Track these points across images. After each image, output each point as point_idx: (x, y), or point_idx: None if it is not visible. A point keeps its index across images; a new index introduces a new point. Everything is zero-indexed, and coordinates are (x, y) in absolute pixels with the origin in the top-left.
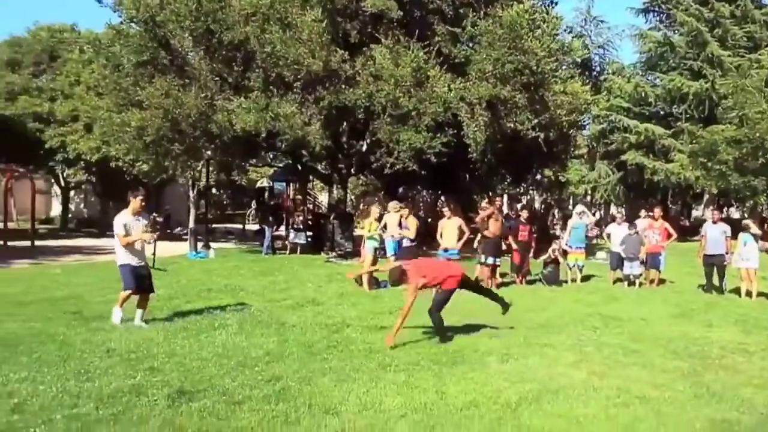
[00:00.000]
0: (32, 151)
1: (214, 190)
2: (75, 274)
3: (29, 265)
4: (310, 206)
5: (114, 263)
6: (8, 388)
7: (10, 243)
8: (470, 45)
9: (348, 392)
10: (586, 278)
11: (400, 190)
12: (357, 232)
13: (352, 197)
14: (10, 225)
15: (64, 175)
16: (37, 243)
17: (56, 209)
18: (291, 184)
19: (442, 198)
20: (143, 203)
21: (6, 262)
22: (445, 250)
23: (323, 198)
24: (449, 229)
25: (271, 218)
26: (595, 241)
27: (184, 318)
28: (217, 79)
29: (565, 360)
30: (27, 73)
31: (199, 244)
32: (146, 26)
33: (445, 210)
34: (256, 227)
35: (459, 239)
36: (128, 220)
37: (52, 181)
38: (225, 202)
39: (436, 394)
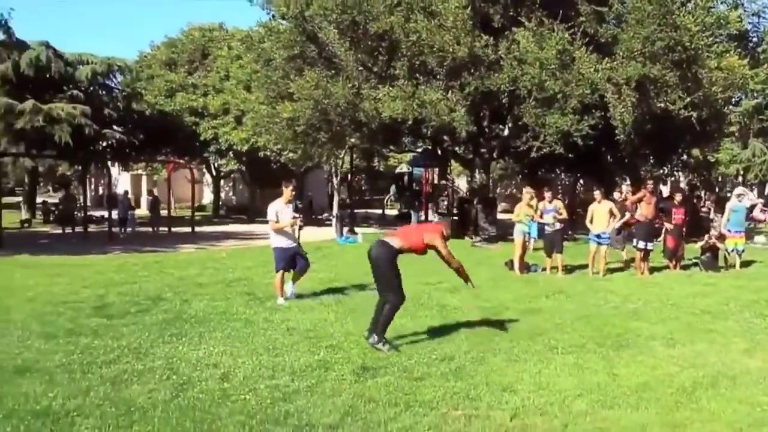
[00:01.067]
0: (189, 143)
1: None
2: (239, 258)
3: (194, 249)
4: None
5: (269, 247)
6: (213, 360)
7: (173, 229)
8: (617, 23)
9: (521, 372)
10: (745, 263)
11: (539, 173)
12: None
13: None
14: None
15: (216, 164)
16: (196, 229)
17: (207, 197)
18: (428, 169)
19: (581, 181)
20: (293, 192)
21: (173, 247)
22: (597, 236)
23: (460, 182)
24: (600, 213)
25: (417, 203)
26: (752, 225)
27: (349, 299)
28: (362, 69)
29: (736, 347)
30: (183, 71)
31: (344, 229)
32: (296, 22)
33: (596, 194)
34: (394, 212)
35: (609, 223)
36: (279, 208)
37: (204, 170)
38: (363, 188)
39: (608, 376)
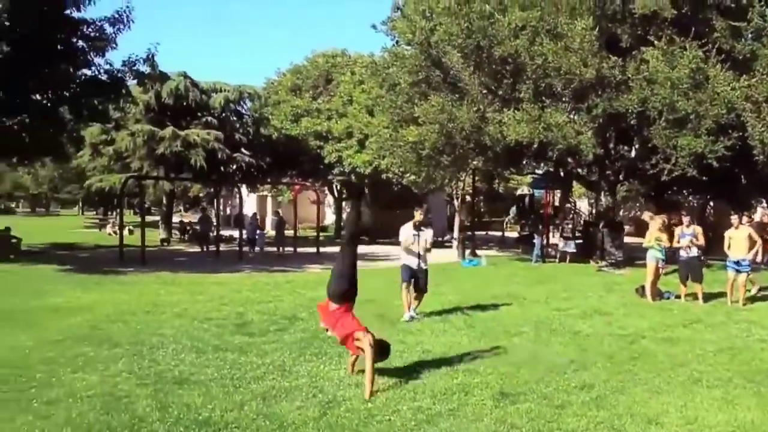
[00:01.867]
0: (313, 166)
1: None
2: (365, 279)
3: (320, 270)
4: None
5: (395, 269)
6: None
7: (298, 249)
8: (755, 38)
9: (665, 404)
10: None
11: (666, 195)
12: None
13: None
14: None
15: (339, 187)
16: (320, 249)
17: (329, 218)
18: (549, 191)
19: (711, 203)
20: (423, 216)
21: (300, 267)
22: (736, 263)
23: (581, 204)
24: (738, 239)
25: (540, 226)
26: None
27: (479, 323)
28: (486, 92)
29: None
30: (308, 97)
31: (466, 252)
32: (420, 48)
33: (733, 219)
34: (514, 234)
35: (750, 249)
36: (408, 230)
37: (326, 192)
38: (482, 210)
39: (763, 413)
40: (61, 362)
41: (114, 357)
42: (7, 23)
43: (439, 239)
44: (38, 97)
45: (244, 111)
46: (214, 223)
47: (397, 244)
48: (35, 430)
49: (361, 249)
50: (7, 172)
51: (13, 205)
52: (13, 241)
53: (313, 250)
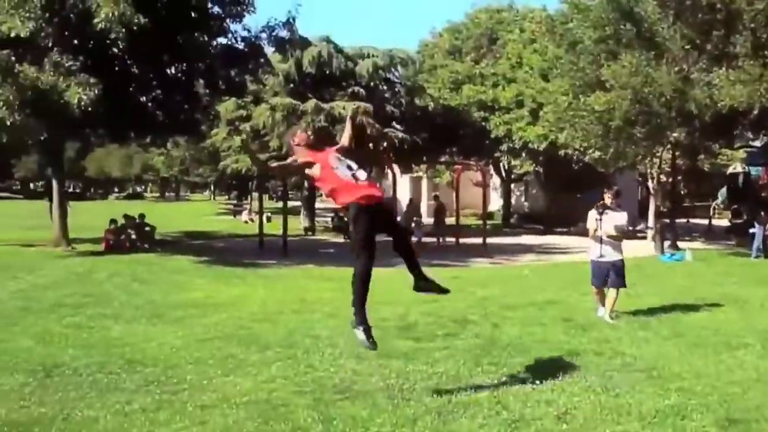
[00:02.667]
0: (477, 142)
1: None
2: (544, 276)
3: (489, 264)
4: None
5: (578, 264)
6: (544, 396)
7: (460, 240)
8: None
9: None
10: None
11: None
12: None
13: None
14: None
15: (507, 166)
16: (487, 240)
17: (495, 203)
18: None
19: None
20: (614, 200)
21: (464, 261)
22: None
23: None
24: None
25: (763, 213)
26: None
27: (689, 330)
28: (690, 48)
29: None
30: (469, 60)
31: (666, 244)
32: None
33: None
34: (724, 222)
35: None
36: (592, 214)
37: (492, 172)
38: (683, 192)
39: None
40: (210, 363)
41: (266, 360)
42: None
43: (630, 228)
44: (172, 70)
45: (395, 79)
46: None
47: (576, 234)
48: None
49: (535, 240)
50: (137, 154)
51: (141, 190)
52: (147, 229)
53: (478, 240)
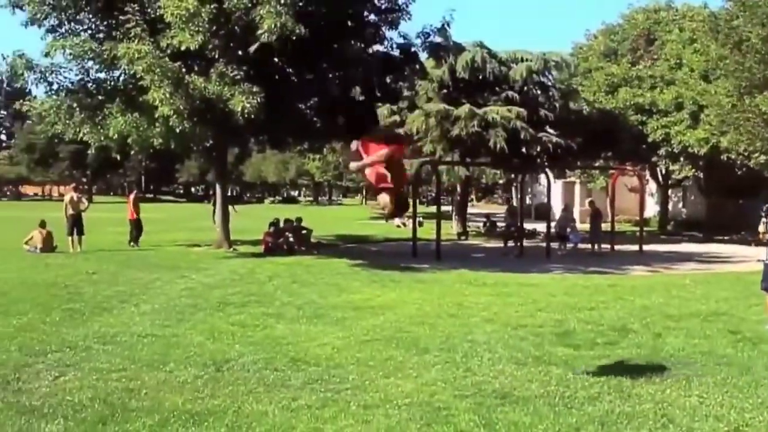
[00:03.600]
0: (633, 146)
1: None
2: (707, 286)
3: (647, 272)
4: None
5: (745, 273)
6: (712, 410)
7: (615, 246)
8: None
9: None
10: None
11: None
12: None
13: None
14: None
15: (665, 171)
16: (643, 247)
17: (651, 209)
18: None
19: None
20: None
21: (621, 268)
22: None
23: None
24: None
25: None
26: None
27: None
28: None
29: None
30: (625, 62)
31: None
32: None
33: None
34: None
35: None
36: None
37: (648, 178)
38: None
39: None
40: (371, 365)
41: (425, 363)
42: (300, 3)
43: None
44: (330, 78)
45: (549, 82)
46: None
47: (740, 242)
48: None
49: (694, 248)
50: (292, 159)
51: (295, 194)
52: (304, 232)
53: (634, 247)
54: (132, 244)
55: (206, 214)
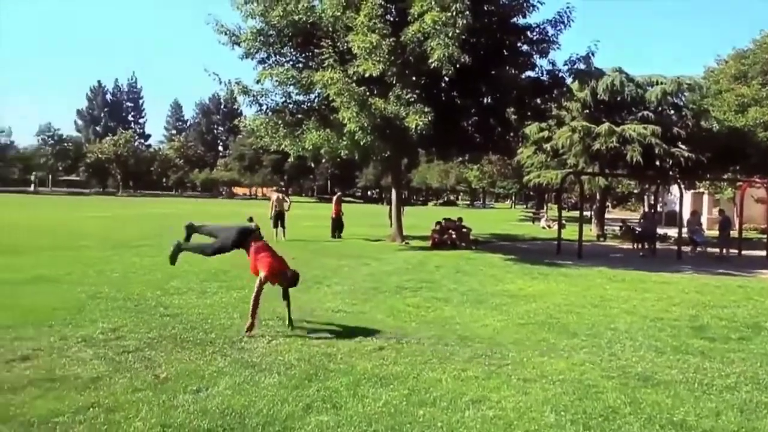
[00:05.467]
0: (762, 160)
1: None
2: None
3: None
4: None
5: None
6: None
7: (743, 252)
8: None
9: None
10: None
11: None
12: None
13: None
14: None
15: None
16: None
17: None
18: None
19: None
20: None
21: (748, 271)
22: None
23: None
24: None
25: None
26: None
27: None
28: None
29: None
30: (755, 84)
31: None
32: None
33: None
34: None
35: None
36: None
37: None
38: None
39: None
40: (527, 345)
41: (574, 346)
42: (463, 36)
43: None
44: (488, 99)
45: (681, 103)
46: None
47: None
48: (519, 404)
49: None
50: (452, 168)
51: (454, 198)
52: (464, 230)
53: (760, 253)
54: (337, 234)
55: (381, 213)
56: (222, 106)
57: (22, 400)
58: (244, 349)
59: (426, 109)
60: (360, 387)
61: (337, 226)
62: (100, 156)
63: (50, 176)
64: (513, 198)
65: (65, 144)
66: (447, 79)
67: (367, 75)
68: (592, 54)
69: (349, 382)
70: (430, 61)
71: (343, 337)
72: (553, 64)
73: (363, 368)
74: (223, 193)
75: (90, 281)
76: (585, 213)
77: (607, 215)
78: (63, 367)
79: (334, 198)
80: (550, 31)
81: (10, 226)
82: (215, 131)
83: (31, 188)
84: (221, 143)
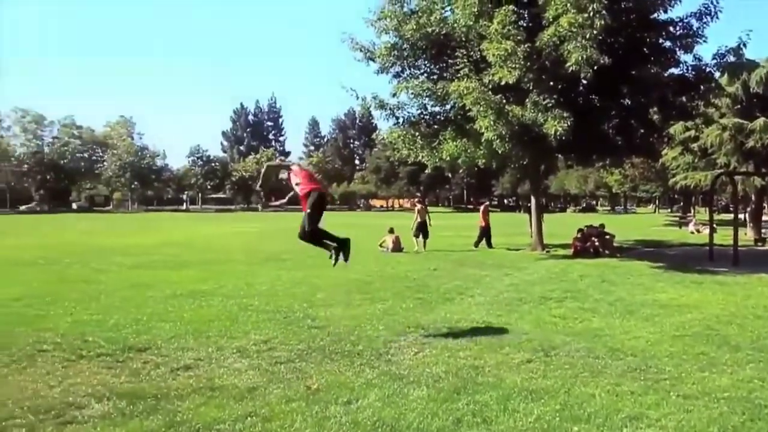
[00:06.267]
0: None
1: None
2: None
3: None
4: None
5: None
6: None
7: None
8: None
9: None
10: None
11: None
12: None
13: None
14: None
15: None
16: None
17: None
18: None
19: None
20: None
21: None
22: None
23: None
24: None
25: None
26: None
27: None
28: None
29: None
30: None
31: None
32: None
33: None
34: None
35: None
36: None
37: None
38: None
39: None
40: (684, 359)
41: (738, 361)
42: (600, 37)
43: None
44: (629, 101)
45: None
46: None
47: None
48: (681, 423)
49: None
50: (591, 174)
51: (593, 204)
52: (607, 237)
53: None
54: (487, 244)
55: (518, 221)
56: (357, 121)
57: (187, 407)
58: (391, 361)
59: (565, 114)
60: (510, 401)
61: (488, 235)
62: (244, 174)
63: (200, 194)
64: (656, 202)
65: (213, 164)
66: (585, 81)
67: (502, 83)
68: (744, 45)
69: (499, 395)
70: (567, 64)
71: (489, 350)
72: (699, 59)
73: (512, 381)
74: (360, 205)
75: (241, 294)
76: (739, 216)
77: (764, 218)
78: (221, 376)
79: (482, 207)
80: (695, 24)
81: (169, 243)
82: (351, 146)
83: (183, 206)
84: (357, 157)
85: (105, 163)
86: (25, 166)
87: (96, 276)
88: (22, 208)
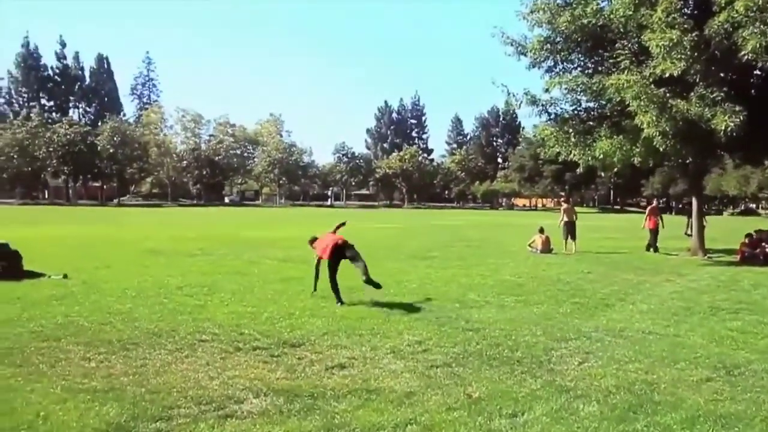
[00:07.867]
0: None
1: None
2: None
3: None
4: None
5: None
6: None
7: None
8: None
9: None
10: None
11: None
12: None
13: None
14: None
15: None
16: None
17: None
18: None
19: None
20: None
21: None
22: None
23: None
24: None
25: None
26: None
27: None
28: None
29: None
30: None
31: None
32: None
33: None
34: None
35: None
36: None
37: None
38: None
39: None
40: None
41: None
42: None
43: None
44: None
45: None
46: None
47: None
48: None
49: None
50: (753, 174)
51: (753, 206)
52: None
53: None
54: (651, 250)
55: (671, 223)
56: (501, 119)
57: (344, 409)
58: (554, 371)
59: (737, 108)
60: (697, 426)
61: (656, 238)
62: (387, 171)
63: (344, 191)
64: None
65: (357, 161)
66: (758, 72)
67: (665, 75)
68: None
69: (683, 418)
70: (741, 53)
71: (661, 364)
72: None
73: (694, 402)
74: (503, 204)
75: (391, 291)
76: None
77: None
78: (377, 378)
79: (649, 207)
80: None
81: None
82: (494, 144)
83: (328, 202)
84: (500, 155)
85: (255, 160)
86: (185, 162)
87: (249, 268)
88: (184, 201)
